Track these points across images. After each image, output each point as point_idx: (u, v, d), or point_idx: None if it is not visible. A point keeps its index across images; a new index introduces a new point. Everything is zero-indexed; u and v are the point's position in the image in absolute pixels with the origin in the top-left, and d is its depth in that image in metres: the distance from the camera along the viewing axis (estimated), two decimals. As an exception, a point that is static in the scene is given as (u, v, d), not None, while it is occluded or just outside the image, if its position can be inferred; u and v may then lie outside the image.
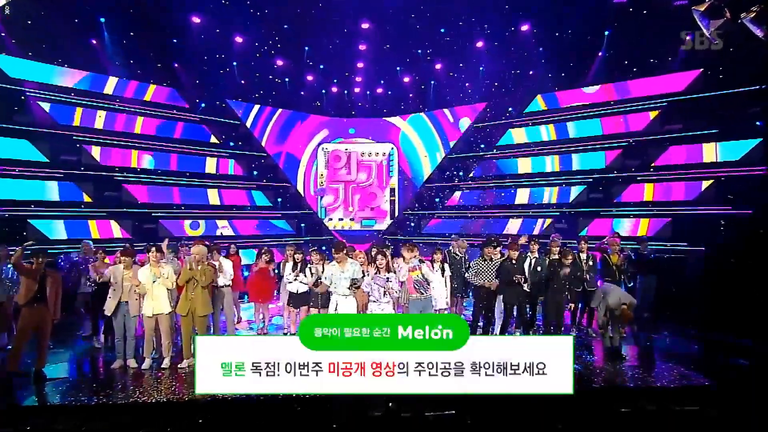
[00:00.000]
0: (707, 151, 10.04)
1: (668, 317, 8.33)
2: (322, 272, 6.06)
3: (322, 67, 12.90)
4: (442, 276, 6.95)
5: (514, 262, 6.69)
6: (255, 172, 13.11)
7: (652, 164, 10.71)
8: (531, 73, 12.11)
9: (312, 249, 7.30)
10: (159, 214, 11.36)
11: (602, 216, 11.30)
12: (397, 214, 14.66)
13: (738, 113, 9.11)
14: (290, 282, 7.11)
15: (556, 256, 6.70)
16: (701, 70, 9.88)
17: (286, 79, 13.07)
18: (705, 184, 9.99)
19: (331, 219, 14.43)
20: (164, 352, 6.12)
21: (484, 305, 6.75)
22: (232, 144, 12.71)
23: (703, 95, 9.60)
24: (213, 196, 12.39)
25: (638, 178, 10.82)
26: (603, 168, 11.50)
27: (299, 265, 7.10)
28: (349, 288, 5.68)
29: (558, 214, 12.05)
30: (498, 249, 7.04)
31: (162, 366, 6.04)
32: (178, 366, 6.00)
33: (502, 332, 6.90)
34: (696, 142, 10.01)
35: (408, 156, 14.65)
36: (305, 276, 6.96)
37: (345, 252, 6.01)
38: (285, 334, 7.53)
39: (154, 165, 11.47)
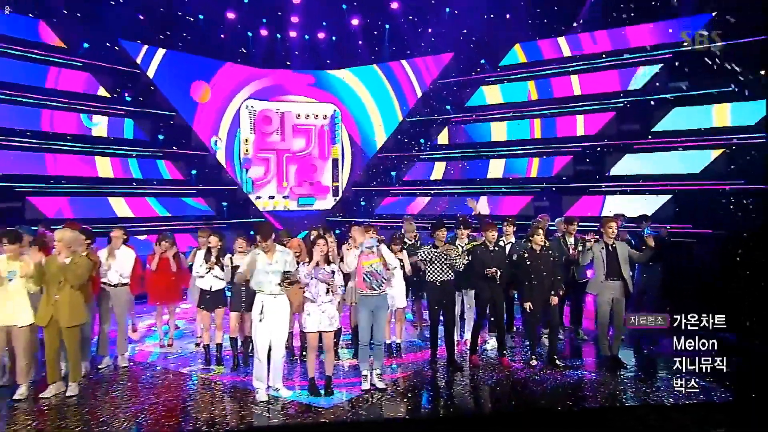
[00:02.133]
0: (718, 115, 9.97)
1: (674, 313, 7.93)
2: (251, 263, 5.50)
3: (247, 1, 12.25)
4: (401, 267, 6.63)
5: (490, 248, 6.42)
6: (161, 137, 12.32)
7: (652, 129, 10.66)
8: (508, 17, 11.98)
9: (239, 235, 6.74)
10: (26, 189, 10.28)
11: (591, 192, 11.22)
12: (342, 190, 14.53)
13: (757, 68, 9.12)
14: (200, 276, 6.62)
15: (542, 242, 6.44)
16: (713, 14, 9.74)
17: (200, 17, 12.34)
18: (714, 154, 9.95)
19: (260, 197, 14.07)
20: (19, 377, 5.56)
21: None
22: (128, 98, 11.84)
23: (714, 45, 9.39)
24: (103, 166, 11.46)
25: (634, 147, 10.78)
26: (593, 135, 11.43)
27: (214, 254, 6.60)
28: (279, 285, 5.25)
29: (539, 190, 11.87)
30: (467, 231, 6.92)
31: (15, 397, 5.47)
32: (40, 396, 5.47)
33: (475, 337, 6.71)
34: (705, 102, 9.96)
35: (357, 119, 14.53)
36: (222, 269, 6.55)
37: (274, 238, 5.57)
38: (197, 344, 7.31)
39: (19, 124, 10.32)
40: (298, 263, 5.69)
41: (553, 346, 6.64)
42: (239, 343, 6.59)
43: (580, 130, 11.62)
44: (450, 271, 6.30)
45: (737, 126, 9.64)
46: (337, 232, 9.89)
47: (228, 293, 6.75)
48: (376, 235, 5.82)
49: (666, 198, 10.36)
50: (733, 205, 9.25)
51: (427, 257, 6.37)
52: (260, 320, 5.35)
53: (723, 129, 9.80)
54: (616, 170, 11.11)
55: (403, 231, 8.02)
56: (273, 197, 14.10)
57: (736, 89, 9.49)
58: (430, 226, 6.48)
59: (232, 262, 6.46)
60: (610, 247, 6.52)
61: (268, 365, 5.56)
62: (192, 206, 12.91)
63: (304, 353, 6.24)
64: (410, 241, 7.85)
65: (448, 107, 13.29)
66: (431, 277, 6.33)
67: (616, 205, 10.56)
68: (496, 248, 6.53)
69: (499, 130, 12.65)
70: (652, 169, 10.61)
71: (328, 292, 5.47)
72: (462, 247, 6.66)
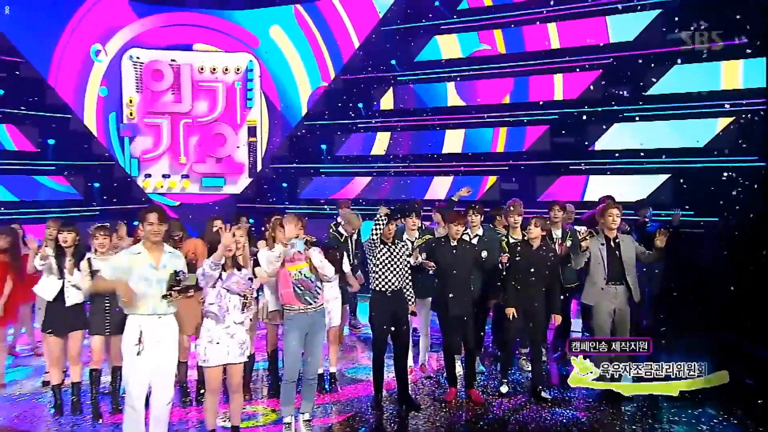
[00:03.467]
0: (727, 74, 9.86)
1: (681, 323, 8.28)
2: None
3: None
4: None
5: (452, 243, 6.18)
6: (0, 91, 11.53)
7: (646, 93, 10.59)
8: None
9: (97, 228, 6.11)
10: None
11: (571, 171, 11.17)
12: (260, 168, 14.18)
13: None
14: (44, 287, 6.06)
15: (539, 238, 6.27)
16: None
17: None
18: (722, 123, 9.87)
19: (148, 176, 13.58)
20: None
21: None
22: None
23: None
24: None
25: (624, 115, 10.67)
26: (574, 100, 11.29)
27: (69, 255, 6.05)
28: (166, 296, 4.71)
29: (507, 168, 11.75)
30: (417, 220, 6.87)
31: None
32: None
33: (471, 366, 6.45)
34: (712, 59, 9.75)
35: (277, 75, 14.04)
36: (81, 273, 5.88)
37: (167, 231, 5.14)
38: (44, 383, 6.81)
39: None
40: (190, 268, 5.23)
41: (538, 374, 6.44)
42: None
43: (557, 94, 11.50)
44: (406, 276, 6.11)
45: (751, 89, 9.55)
46: (252, 222, 9.32)
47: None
48: (303, 228, 5.43)
49: (663, 178, 10.34)
50: (746, 187, 9.27)
51: (377, 253, 6.13)
52: (138, 353, 4.73)
53: (733, 93, 9.74)
54: (601, 144, 11.06)
55: (339, 221, 7.83)
56: (167, 176, 13.60)
57: (750, 43, 9.43)
58: (383, 215, 6.08)
59: (90, 266, 5.77)
60: (612, 243, 6.24)
61: (147, 418, 4.93)
62: (49, 187, 12.36)
63: (202, 392, 5.88)
64: (346, 233, 7.83)
65: (393, 62, 12.99)
66: (379, 284, 6.03)
67: (601, 186, 10.44)
68: (462, 244, 6.26)
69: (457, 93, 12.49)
70: (645, 143, 10.60)
71: (244, 308, 5.09)
72: (411, 243, 6.54)
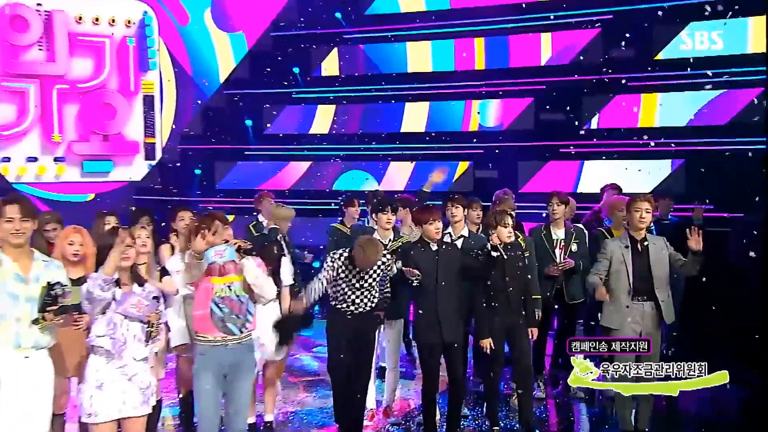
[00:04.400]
0: (756, 34, 9.68)
1: (714, 350, 7.57)
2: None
3: None
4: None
5: (432, 247, 6.10)
6: None
7: (655, 58, 10.50)
8: None
9: None
10: None
11: (561, 156, 11.10)
12: (162, 148, 13.52)
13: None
14: None
15: (509, 237, 6.13)
16: None
17: None
18: (749, 94, 9.75)
19: (6, 159, 12.46)
20: None
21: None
22: None
23: None
24: None
25: (628, 84, 10.48)
26: (566, 65, 11.13)
27: None
28: (37, 322, 4.54)
29: (482, 152, 11.54)
30: (393, 216, 6.68)
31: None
32: None
33: (456, 409, 6.35)
34: (737, 15, 9.62)
35: (185, 31, 13.55)
36: None
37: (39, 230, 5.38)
38: None
39: None
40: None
41: (526, 412, 6.24)
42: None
43: (544, 57, 11.39)
44: (371, 293, 6.04)
45: None
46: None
47: None
48: (230, 230, 5.24)
49: (676, 164, 10.35)
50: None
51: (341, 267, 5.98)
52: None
53: (764, 57, 9.39)
54: (599, 121, 10.92)
55: (261, 220, 7.84)
56: (33, 160, 12.55)
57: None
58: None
59: None
60: (639, 246, 6.00)
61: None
62: None
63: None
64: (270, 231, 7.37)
65: (338, 15, 12.63)
66: (339, 303, 6.04)
67: (598, 174, 10.41)
68: (444, 247, 6.12)
69: (419, 55, 12.20)
70: (653, 120, 10.52)
71: (148, 339, 4.82)
72: (384, 246, 6.34)
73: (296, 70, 12.78)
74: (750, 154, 9.33)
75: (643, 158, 10.36)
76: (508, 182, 10.28)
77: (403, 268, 5.87)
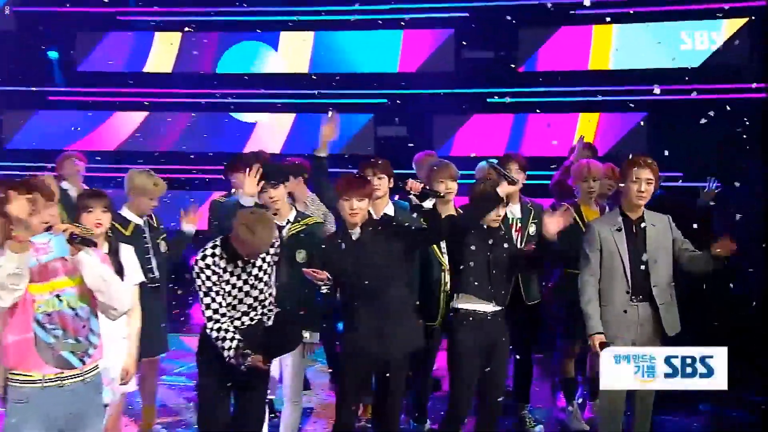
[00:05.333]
0: None
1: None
2: None
3: None
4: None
5: (354, 236, 5.45)
6: None
7: None
8: None
9: None
10: None
11: (489, 109, 9.98)
12: None
13: None
14: None
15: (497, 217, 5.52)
16: None
17: None
18: (729, 27, 9.03)
19: None
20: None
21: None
22: None
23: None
24: None
25: (576, 13, 9.53)
26: None
27: None
28: None
29: (385, 100, 10.25)
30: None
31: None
32: None
33: None
34: None
35: None
36: None
37: None
38: None
39: None
40: None
41: None
42: None
43: None
44: (266, 297, 5.30)
45: None
46: None
47: None
48: (56, 215, 4.44)
49: (636, 118, 9.45)
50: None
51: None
52: None
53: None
54: (538, 62, 9.94)
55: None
56: None
57: None
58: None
59: None
60: (634, 229, 5.47)
61: None
62: None
63: None
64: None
65: None
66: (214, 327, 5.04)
67: (540, 132, 9.59)
68: (370, 231, 5.40)
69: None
70: (608, 60, 9.72)
71: None
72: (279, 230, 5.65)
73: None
74: (729, 106, 8.19)
75: (594, 110, 9.57)
76: (418, 142, 9.08)
77: (304, 270, 5.14)
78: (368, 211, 5.34)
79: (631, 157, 5.46)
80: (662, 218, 5.43)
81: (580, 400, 6.75)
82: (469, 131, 9.97)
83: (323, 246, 5.24)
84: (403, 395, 5.60)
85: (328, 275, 4.94)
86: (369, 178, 5.64)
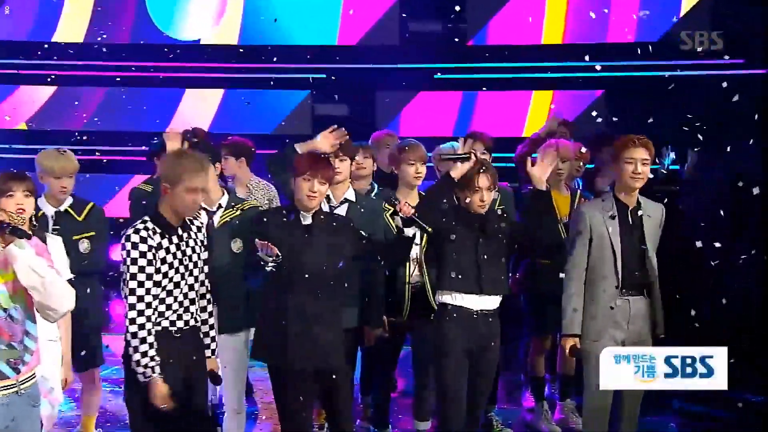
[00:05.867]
0: None
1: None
2: None
3: None
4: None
5: (304, 221, 5.15)
6: None
7: None
8: None
9: None
10: None
11: (437, 86, 9.71)
12: None
13: None
14: None
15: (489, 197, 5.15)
16: None
17: None
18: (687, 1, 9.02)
19: None
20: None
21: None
22: None
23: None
24: None
25: None
26: None
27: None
28: None
29: (323, 76, 9.85)
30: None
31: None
32: None
33: None
34: None
35: None
36: None
37: None
38: None
39: None
40: None
41: None
42: None
43: None
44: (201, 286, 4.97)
45: None
46: None
47: None
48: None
49: (592, 96, 9.32)
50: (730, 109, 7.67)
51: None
52: None
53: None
54: (488, 34, 9.54)
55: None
56: None
57: None
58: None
59: None
60: (630, 217, 5.15)
61: None
62: None
63: None
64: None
65: None
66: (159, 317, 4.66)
67: (491, 111, 9.39)
68: (333, 224, 5.05)
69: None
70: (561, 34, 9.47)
71: None
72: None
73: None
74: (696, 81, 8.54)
75: (546, 87, 9.29)
76: (359, 121, 8.83)
77: (257, 240, 4.77)
78: (326, 197, 5.10)
79: (622, 136, 5.14)
80: (657, 208, 5.19)
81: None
82: (415, 109, 9.58)
83: (265, 219, 4.83)
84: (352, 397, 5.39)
85: (278, 252, 4.58)
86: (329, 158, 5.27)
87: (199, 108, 10.01)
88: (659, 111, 7.87)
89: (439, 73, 9.60)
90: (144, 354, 4.17)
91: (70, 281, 4.27)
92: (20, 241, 3.56)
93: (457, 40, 9.48)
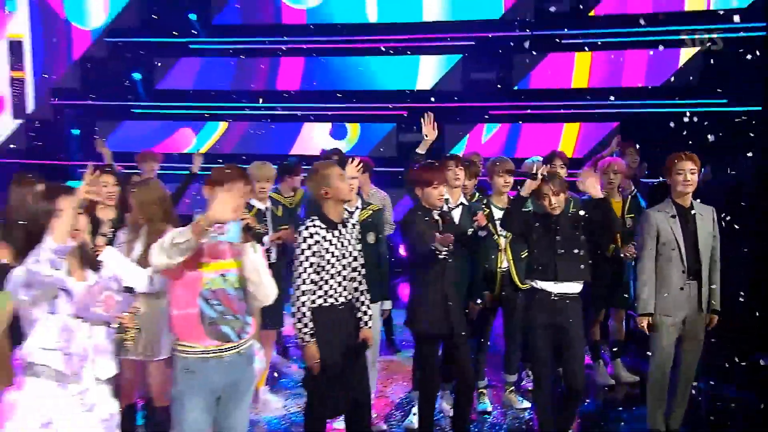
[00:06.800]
0: None
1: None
2: None
3: None
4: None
5: (436, 216, 5.57)
6: None
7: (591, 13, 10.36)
8: None
9: None
10: None
11: (492, 118, 10.87)
12: (31, 105, 12.58)
13: None
14: None
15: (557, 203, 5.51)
16: None
17: None
18: (685, 54, 9.88)
19: None
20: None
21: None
22: None
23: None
24: None
25: (563, 42, 10.40)
26: (496, 21, 10.75)
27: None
28: None
29: (405, 114, 10.96)
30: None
31: None
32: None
33: None
34: None
35: None
36: None
37: None
38: None
39: None
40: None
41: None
42: None
43: (475, 11, 10.89)
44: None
45: (725, 11, 9.20)
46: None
47: None
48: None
49: (609, 127, 10.24)
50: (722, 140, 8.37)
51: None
52: None
53: (702, 15, 9.61)
54: (530, 81, 10.67)
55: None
56: None
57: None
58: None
59: None
60: (686, 217, 5.47)
61: None
62: None
63: None
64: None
65: None
66: (328, 297, 5.01)
67: (530, 139, 10.43)
68: (447, 216, 5.66)
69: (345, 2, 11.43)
70: (587, 80, 10.44)
71: (119, 352, 4.30)
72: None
73: (193, 16, 11.82)
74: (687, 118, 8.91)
75: (574, 120, 10.34)
76: (433, 147, 9.73)
77: (439, 235, 5.12)
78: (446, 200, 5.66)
79: (674, 152, 5.60)
80: (707, 208, 5.64)
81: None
82: (474, 137, 10.83)
83: (415, 217, 5.32)
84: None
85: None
86: (451, 168, 5.93)
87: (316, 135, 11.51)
88: (660, 141, 8.28)
89: (494, 110, 10.74)
90: (304, 324, 4.60)
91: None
92: (256, 245, 4.02)
93: (505, 84, 10.57)
